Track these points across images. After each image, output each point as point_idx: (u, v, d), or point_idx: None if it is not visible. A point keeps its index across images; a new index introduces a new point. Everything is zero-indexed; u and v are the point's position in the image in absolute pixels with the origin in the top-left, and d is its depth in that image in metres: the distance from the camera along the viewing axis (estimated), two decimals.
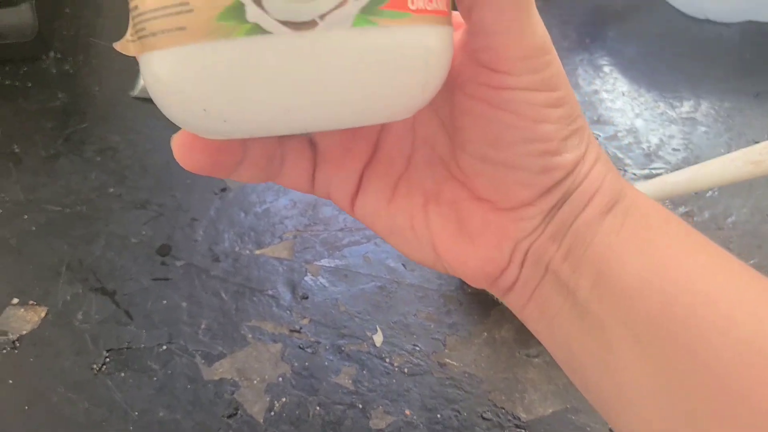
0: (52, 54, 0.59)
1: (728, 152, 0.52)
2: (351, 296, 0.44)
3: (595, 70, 0.58)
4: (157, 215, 0.48)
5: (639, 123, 0.54)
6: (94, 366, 0.41)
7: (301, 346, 0.42)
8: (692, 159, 0.52)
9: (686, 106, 0.55)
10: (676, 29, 0.61)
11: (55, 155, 0.52)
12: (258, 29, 0.19)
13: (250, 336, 0.42)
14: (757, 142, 0.53)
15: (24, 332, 0.42)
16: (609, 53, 0.59)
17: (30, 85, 0.56)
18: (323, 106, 0.20)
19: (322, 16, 0.19)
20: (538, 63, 0.23)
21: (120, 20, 0.62)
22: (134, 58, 0.23)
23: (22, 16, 0.55)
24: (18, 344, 0.41)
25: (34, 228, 0.47)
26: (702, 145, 0.53)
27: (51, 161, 0.51)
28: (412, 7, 0.20)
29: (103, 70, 0.58)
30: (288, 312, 0.43)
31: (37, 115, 0.54)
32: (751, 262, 0.46)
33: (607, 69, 0.58)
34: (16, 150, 0.52)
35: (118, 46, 0.23)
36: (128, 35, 0.23)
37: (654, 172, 0.51)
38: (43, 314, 0.43)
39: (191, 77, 0.20)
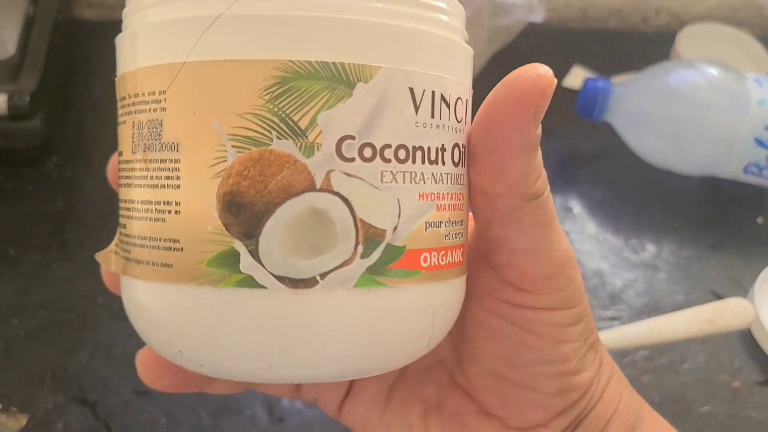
0: (54, 159, 0.61)
1: (686, 299, 0.56)
2: (327, 421, 0.46)
3: (566, 211, 0.62)
4: None
5: (604, 266, 0.58)
6: None
7: None
8: (652, 304, 0.55)
9: (648, 253, 0.59)
10: (641, 177, 0.66)
11: (49, 260, 0.54)
12: (250, 281, 0.17)
13: None
14: (712, 292, 0.57)
15: None
16: (579, 196, 0.64)
17: (31, 188, 0.59)
18: (312, 366, 0.19)
19: (322, 275, 0.17)
20: (561, 280, 0.22)
21: None
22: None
23: (33, 123, 0.58)
24: None
25: (22, 333, 0.49)
26: (662, 291, 0.56)
27: (45, 266, 0.53)
28: (425, 265, 0.19)
29: (102, 177, 0.61)
30: None
31: (36, 219, 0.57)
32: (704, 408, 0.49)
33: (576, 211, 0.62)
34: (12, 253, 0.54)
35: (99, 257, 0.21)
36: (113, 246, 0.21)
37: (617, 314, 0.54)
38: (24, 422, 0.44)
39: (172, 317, 0.19)
